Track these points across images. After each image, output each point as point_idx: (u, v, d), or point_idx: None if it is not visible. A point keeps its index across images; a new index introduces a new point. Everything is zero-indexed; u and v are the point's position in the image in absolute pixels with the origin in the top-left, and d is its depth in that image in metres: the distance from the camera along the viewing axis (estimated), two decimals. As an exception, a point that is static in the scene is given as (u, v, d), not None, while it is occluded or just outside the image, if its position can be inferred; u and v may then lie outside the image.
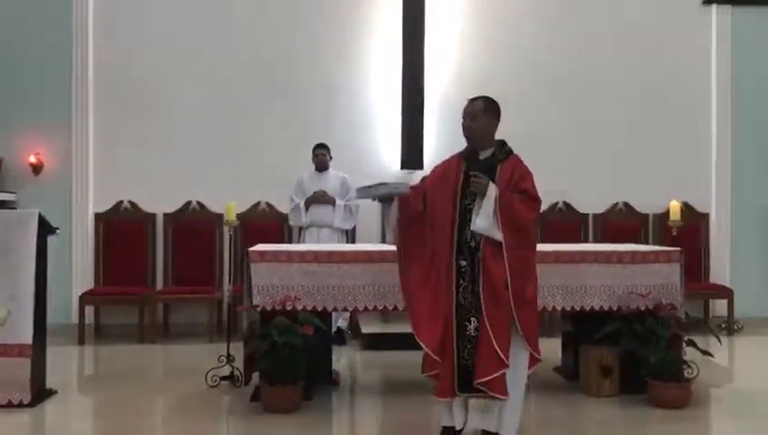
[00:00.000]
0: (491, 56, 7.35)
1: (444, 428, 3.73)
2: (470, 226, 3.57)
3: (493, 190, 3.54)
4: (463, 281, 3.60)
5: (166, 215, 7.14)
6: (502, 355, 3.49)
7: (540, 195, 3.68)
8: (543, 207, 7.14)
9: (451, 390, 3.59)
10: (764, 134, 7.57)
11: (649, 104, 7.51)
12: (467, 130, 3.72)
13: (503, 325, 3.52)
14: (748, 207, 7.55)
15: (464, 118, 3.73)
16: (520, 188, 3.62)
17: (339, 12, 7.30)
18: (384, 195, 3.86)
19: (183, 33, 7.23)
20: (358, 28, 7.32)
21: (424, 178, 4.00)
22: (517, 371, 3.60)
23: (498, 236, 3.53)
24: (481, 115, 3.69)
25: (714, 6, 7.59)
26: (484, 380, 3.50)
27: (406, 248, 3.80)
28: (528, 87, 7.29)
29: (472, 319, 3.58)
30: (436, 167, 3.90)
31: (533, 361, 3.69)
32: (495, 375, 3.50)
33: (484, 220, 3.52)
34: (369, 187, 4.01)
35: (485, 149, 3.73)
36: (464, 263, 3.60)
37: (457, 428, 3.69)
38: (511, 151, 3.76)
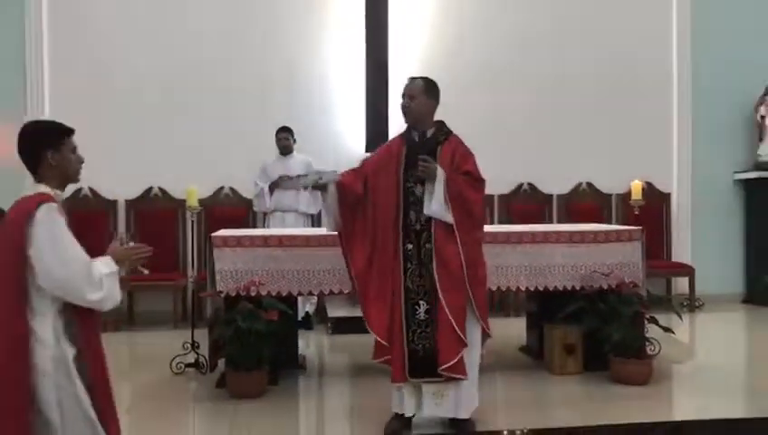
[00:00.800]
0: (456, 38, 7.32)
1: (395, 414, 3.70)
2: (417, 207, 3.54)
3: (441, 173, 3.50)
4: (410, 265, 3.58)
5: (127, 201, 7.03)
6: (462, 335, 3.50)
7: (484, 175, 3.67)
8: (508, 188, 7.39)
9: (403, 375, 3.57)
10: (724, 115, 7.68)
11: (612, 86, 7.56)
12: (406, 110, 3.67)
13: (461, 306, 3.52)
14: (708, 186, 7.67)
15: (402, 97, 3.68)
16: (462, 169, 3.59)
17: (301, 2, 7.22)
18: (312, 183, 3.76)
19: (144, 15, 7.08)
20: (321, 8, 7.24)
21: (364, 161, 3.93)
22: (472, 350, 3.60)
23: (450, 218, 3.51)
24: (420, 95, 3.63)
25: (676, -28, 7.64)
26: (448, 365, 3.49)
27: (347, 234, 3.73)
28: (493, 70, 7.29)
29: (421, 302, 3.56)
30: (379, 149, 3.86)
31: (484, 337, 3.71)
32: (458, 358, 3.50)
33: (436, 205, 3.49)
34: (298, 176, 3.98)
35: (425, 129, 3.69)
36: (410, 246, 3.58)
37: (407, 414, 3.66)
38: (450, 132, 3.71)
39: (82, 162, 2.65)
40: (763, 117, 7.55)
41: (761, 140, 7.58)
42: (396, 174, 3.62)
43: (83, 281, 2.38)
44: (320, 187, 3.72)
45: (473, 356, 3.63)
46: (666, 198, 7.63)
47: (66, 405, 2.36)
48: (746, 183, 7.69)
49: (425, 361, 3.54)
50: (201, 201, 6.30)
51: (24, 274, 2.35)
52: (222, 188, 7.14)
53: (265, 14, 7.18)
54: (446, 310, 3.51)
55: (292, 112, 6.98)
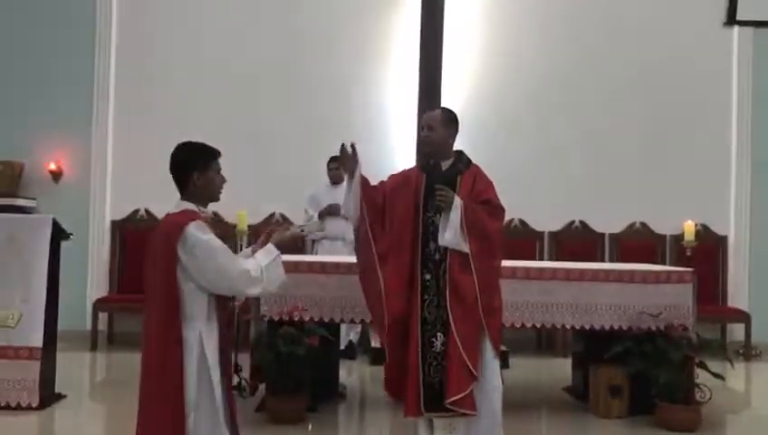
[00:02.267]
0: (511, 69, 7.34)
1: None
2: (437, 240, 3.49)
3: (458, 202, 3.46)
4: (428, 296, 3.53)
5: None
6: (472, 369, 3.40)
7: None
8: (560, 225, 7.30)
9: (417, 408, 3.49)
10: (785, 156, 7.48)
11: (670, 125, 7.45)
12: (425, 140, 3.65)
13: (472, 339, 3.44)
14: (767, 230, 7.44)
15: (420, 128, 3.67)
16: (482, 198, 3.55)
17: (357, 22, 7.35)
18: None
19: (205, 42, 7.32)
20: (376, 32, 7.35)
21: (382, 182, 3.84)
22: (490, 382, 3.50)
23: (465, 248, 3.46)
24: (439, 126, 3.60)
25: (735, 27, 7.54)
26: (456, 398, 3.40)
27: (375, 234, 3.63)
28: (549, 103, 7.28)
29: (438, 334, 3.49)
30: (392, 174, 3.83)
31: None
32: (466, 392, 3.42)
33: (451, 234, 3.44)
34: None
35: (445, 160, 3.66)
36: (428, 277, 3.53)
37: None
38: (470, 162, 3.67)
39: (224, 182, 2.97)
40: (822, 164, 7.31)
41: (823, 183, 7.33)
42: (414, 204, 3.60)
43: (244, 284, 2.69)
44: (349, 173, 3.65)
45: (489, 390, 3.50)
46: (722, 240, 7.42)
47: (202, 405, 2.61)
48: (807, 229, 7.43)
49: (439, 394, 3.46)
50: (251, 227, 6.41)
51: (177, 283, 2.60)
52: (273, 214, 7.26)
53: (322, 43, 7.33)
54: (458, 341, 3.43)
55: (343, 140, 7.05)
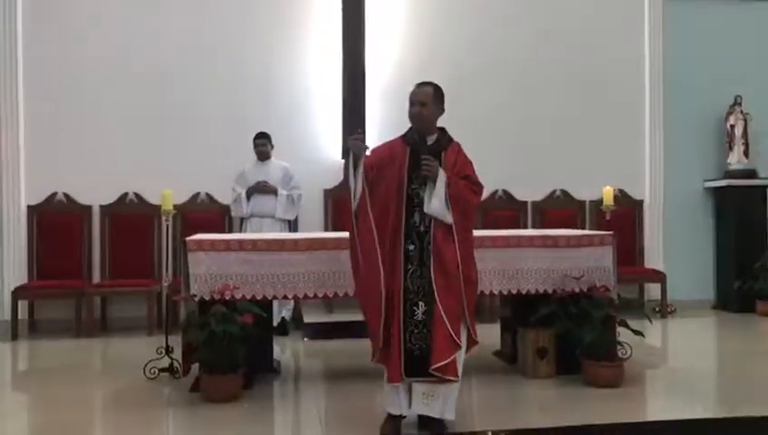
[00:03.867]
0: (431, 45, 7.41)
1: (389, 415, 3.70)
2: (422, 209, 3.59)
3: (443, 173, 3.58)
4: (411, 265, 3.62)
5: (102, 207, 6.99)
6: (456, 337, 3.54)
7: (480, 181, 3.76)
8: (483, 195, 7.40)
9: (400, 375, 3.58)
10: (696, 123, 7.84)
11: (586, 94, 7.69)
12: (417, 116, 3.71)
13: (456, 308, 3.57)
14: (680, 194, 7.82)
15: (412, 103, 3.72)
16: (463, 173, 3.68)
17: (276, 3, 7.24)
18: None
19: (120, 20, 7.08)
20: (296, 14, 7.28)
21: (366, 157, 3.87)
22: (459, 353, 3.63)
23: (449, 218, 3.58)
24: (431, 102, 3.70)
25: (646, -7, 7.80)
26: (440, 364, 3.52)
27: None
28: (468, 76, 7.34)
29: (420, 303, 3.59)
30: (377, 147, 3.87)
31: (472, 343, 3.74)
32: (451, 359, 3.54)
33: (437, 202, 3.56)
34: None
35: (430, 135, 3.75)
36: (411, 247, 3.62)
37: (403, 414, 3.69)
38: (452, 139, 3.80)
39: None
40: (732, 126, 7.70)
41: (730, 149, 7.73)
42: (399, 176, 3.65)
43: None
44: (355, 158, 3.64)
45: (460, 359, 3.66)
46: (638, 205, 7.75)
47: None
48: (716, 191, 7.83)
49: (419, 361, 3.57)
50: (177, 207, 6.30)
51: None
52: (198, 193, 7.13)
53: (241, 19, 7.21)
54: (442, 311, 3.55)
55: (268, 118, 7.00)
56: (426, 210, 3.59)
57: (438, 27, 7.46)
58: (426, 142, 3.72)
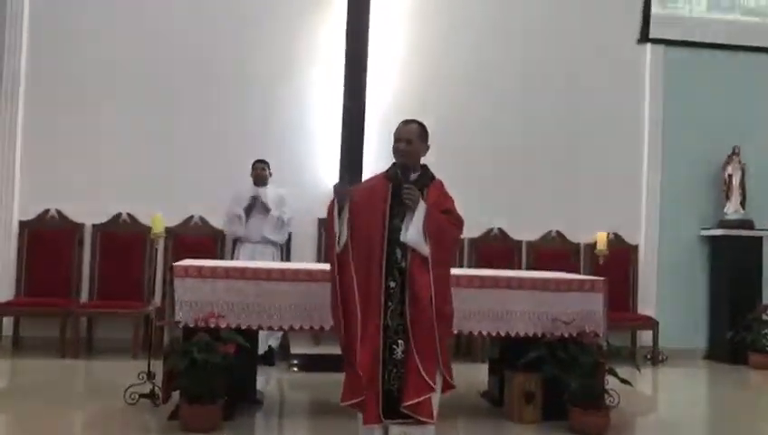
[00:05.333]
0: (432, 80, 7.43)
1: None
2: (401, 238, 3.55)
3: (423, 205, 3.56)
4: (391, 303, 3.56)
5: (94, 226, 6.95)
6: (427, 377, 3.46)
7: (464, 219, 3.72)
8: (479, 232, 7.42)
9: (378, 416, 3.49)
10: (694, 171, 7.84)
11: (585, 137, 7.69)
12: (402, 153, 3.71)
13: (429, 345, 3.50)
14: (675, 241, 7.78)
15: (397, 140, 3.72)
16: (444, 208, 3.66)
17: (281, 26, 7.29)
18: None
19: (117, 39, 7.09)
20: (300, 44, 7.32)
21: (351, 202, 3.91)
22: (434, 395, 3.55)
23: (426, 249, 3.53)
24: (416, 139, 3.70)
25: (648, 45, 7.87)
26: (412, 402, 3.45)
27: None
28: (467, 116, 7.39)
29: (399, 341, 3.53)
30: (358, 188, 3.86)
31: (447, 386, 3.67)
32: (424, 398, 3.46)
33: (414, 231, 3.52)
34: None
35: (414, 172, 3.74)
36: (392, 284, 3.57)
37: None
38: (434, 176, 3.79)
39: None
40: (730, 176, 7.71)
41: (727, 198, 7.72)
42: (382, 211, 3.63)
43: None
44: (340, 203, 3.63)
45: (435, 401, 3.58)
46: (633, 250, 7.72)
47: None
48: (712, 240, 7.81)
49: (398, 402, 3.49)
50: (170, 229, 6.29)
51: None
52: (192, 217, 7.10)
53: (244, 44, 7.24)
54: (414, 347, 3.48)
55: (266, 145, 7.00)
56: (402, 239, 3.54)
57: (440, 64, 7.49)
58: (408, 179, 3.70)
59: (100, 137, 7.01)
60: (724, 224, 7.69)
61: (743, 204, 7.67)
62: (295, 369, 6.23)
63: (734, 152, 7.69)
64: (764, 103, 8.01)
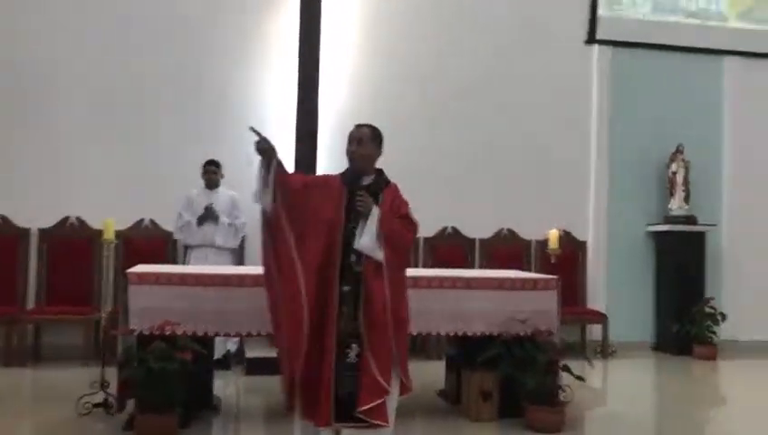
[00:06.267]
0: (385, 81, 7.47)
1: None
2: (355, 245, 3.56)
3: (376, 210, 3.57)
4: (345, 307, 3.57)
5: (41, 230, 6.77)
6: (382, 381, 3.48)
7: (418, 220, 3.75)
8: (433, 231, 7.48)
9: (327, 419, 3.51)
10: (639, 168, 8.05)
11: (534, 135, 7.82)
12: (354, 155, 3.72)
13: (383, 350, 3.52)
14: (622, 237, 7.98)
15: (350, 143, 3.73)
16: (399, 213, 3.67)
17: (233, 29, 7.21)
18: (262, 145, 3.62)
19: (66, 38, 6.92)
20: (254, 45, 7.26)
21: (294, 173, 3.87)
22: (390, 398, 3.57)
23: (380, 255, 3.54)
24: (368, 142, 3.72)
25: (595, 46, 8.04)
26: (366, 407, 3.47)
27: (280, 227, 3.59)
28: (418, 117, 7.45)
29: (353, 345, 3.55)
30: (314, 176, 3.86)
31: (404, 388, 3.70)
32: (378, 402, 3.49)
33: (367, 238, 3.53)
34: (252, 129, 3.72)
35: (368, 175, 3.75)
36: (347, 288, 3.58)
37: None
38: (389, 180, 3.80)
39: None
40: (674, 173, 7.93)
41: (671, 195, 7.95)
42: (335, 214, 3.62)
43: None
44: (265, 152, 3.59)
45: (391, 404, 3.61)
46: (582, 246, 7.88)
47: None
48: (657, 235, 8.03)
49: (350, 405, 3.50)
50: (120, 233, 6.15)
51: None
52: (142, 220, 6.97)
53: (198, 48, 7.12)
54: (369, 352, 3.50)
55: (219, 147, 6.90)
56: (356, 246, 3.55)
57: (393, 64, 7.52)
58: (362, 182, 3.71)
59: (44, 139, 6.82)
60: (668, 220, 7.91)
61: (686, 200, 7.91)
62: (245, 372, 6.17)
63: (678, 150, 7.91)
64: (707, 102, 8.27)
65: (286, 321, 3.57)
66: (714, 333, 7.45)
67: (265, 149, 3.61)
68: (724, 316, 7.46)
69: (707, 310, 7.50)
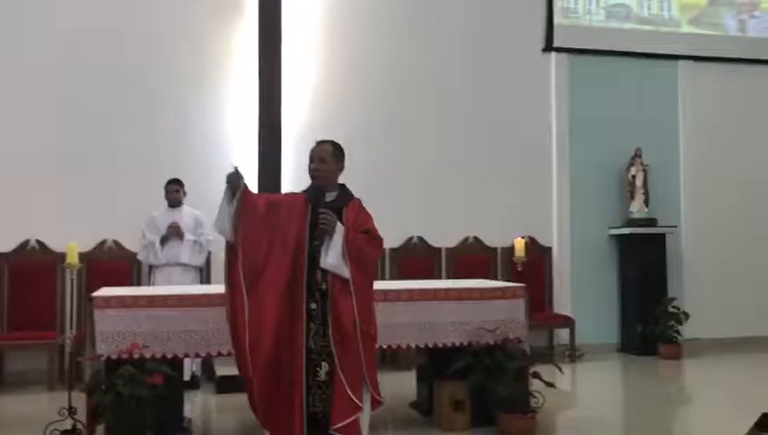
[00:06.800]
0: (345, 95, 7.49)
1: None
2: (321, 264, 3.57)
3: (340, 227, 3.58)
4: (313, 325, 3.58)
5: (1, 254, 6.63)
6: (354, 398, 3.49)
7: (384, 231, 3.78)
8: (399, 242, 7.51)
9: None
10: (599, 172, 8.18)
11: (496, 143, 7.90)
12: (317, 173, 3.74)
13: (354, 367, 3.53)
14: (586, 240, 8.10)
15: (312, 160, 3.75)
16: (363, 228, 3.69)
17: (192, 48, 7.15)
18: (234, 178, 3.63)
19: (23, 56, 6.80)
20: (215, 66, 7.23)
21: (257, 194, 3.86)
22: (362, 413, 3.58)
23: (346, 273, 3.55)
24: (330, 158, 3.74)
25: (553, 54, 8.17)
26: (340, 424, 3.47)
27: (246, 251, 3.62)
28: (380, 128, 7.50)
29: (323, 364, 3.55)
30: (278, 194, 3.88)
31: (375, 403, 3.71)
32: (351, 419, 3.49)
33: (333, 256, 3.54)
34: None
35: (331, 191, 3.76)
36: (314, 306, 3.59)
37: None
38: (353, 195, 3.82)
39: None
40: (633, 177, 8.09)
41: (632, 198, 8.10)
42: (299, 232, 3.62)
43: None
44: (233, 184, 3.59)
45: (364, 419, 3.62)
46: (547, 251, 7.98)
47: None
48: (619, 238, 8.17)
49: (323, 424, 3.50)
50: (82, 254, 6.05)
51: None
52: (105, 241, 6.87)
53: (156, 64, 7.06)
54: (339, 370, 3.50)
55: (181, 166, 6.84)
56: (321, 265, 3.57)
57: (352, 78, 7.55)
58: (326, 199, 3.73)
59: (5, 162, 6.68)
60: (630, 223, 8.06)
61: (646, 203, 8.06)
62: (217, 391, 6.10)
63: (637, 154, 8.07)
64: (663, 106, 8.45)
65: (235, 346, 3.58)
66: (677, 332, 7.59)
67: (233, 180, 3.59)
68: (687, 315, 7.61)
69: (670, 310, 7.65)
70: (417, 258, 7.58)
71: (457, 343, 4.83)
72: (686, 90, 8.50)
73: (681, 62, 8.52)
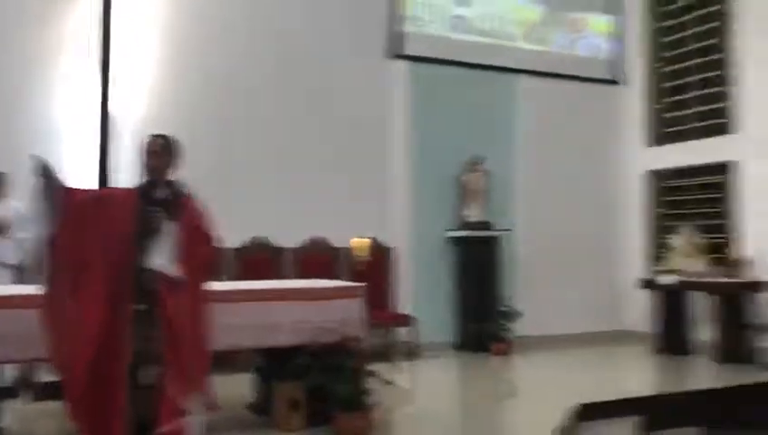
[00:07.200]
0: (184, 91, 7.31)
1: None
2: (149, 264, 3.42)
3: (171, 225, 3.46)
4: (140, 327, 3.43)
5: None
6: (182, 402, 3.38)
7: (222, 230, 3.70)
8: (240, 241, 7.35)
9: None
10: (439, 176, 8.47)
11: (340, 145, 7.97)
12: (150, 168, 3.61)
13: (182, 370, 3.42)
14: (426, 241, 8.37)
15: (146, 155, 3.61)
16: (194, 224, 3.61)
17: (25, 36, 6.67)
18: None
19: None
20: (48, 53, 6.80)
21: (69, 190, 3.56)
22: (194, 418, 3.50)
23: (176, 273, 3.44)
24: (163, 152, 3.61)
25: (397, 60, 8.36)
26: (166, 429, 3.35)
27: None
28: (221, 127, 7.37)
29: (149, 366, 3.42)
30: (94, 190, 3.68)
31: (210, 406, 3.62)
32: (178, 423, 3.37)
33: (162, 256, 3.41)
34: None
35: (163, 187, 3.64)
36: (141, 307, 3.44)
37: None
38: (186, 191, 3.71)
39: None
40: (471, 182, 8.44)
41: (469, 202, 8.45)
42: (128, 228, 3.44)
43: None
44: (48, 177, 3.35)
45: (197, 423, 3.51)
46: (388, 252, 8.15)
47: None
48: (456, 240, 8.50)
49: (150, 428, 3.36)
50: None
51: None
52: None
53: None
54: (167, 372, 3.38)
55: (6, 158, 6.31)
56: (150, 265, 3.44)
57: (191, 74, 7.36)
58: (157, 195, 3.60)
59: None
60: (466, 226, 8.41)
61: (484, 207, 8.44)
62: (35, 398, 5.69)
63: (475, 161, 8.43)
64: (502, 116, 8.90)
65: (66, 348, 3.35)
66: (507, 330, 8.00)
67: (46, 174, 3.36)
68: (519, 314, 8.05)
69: (503, 309, 8.06)
70: (260, 258, 7.48)
71: (297, 344, 4.79)
72: (522, 101, 8.99)
73: (518, 76, 9.00)
